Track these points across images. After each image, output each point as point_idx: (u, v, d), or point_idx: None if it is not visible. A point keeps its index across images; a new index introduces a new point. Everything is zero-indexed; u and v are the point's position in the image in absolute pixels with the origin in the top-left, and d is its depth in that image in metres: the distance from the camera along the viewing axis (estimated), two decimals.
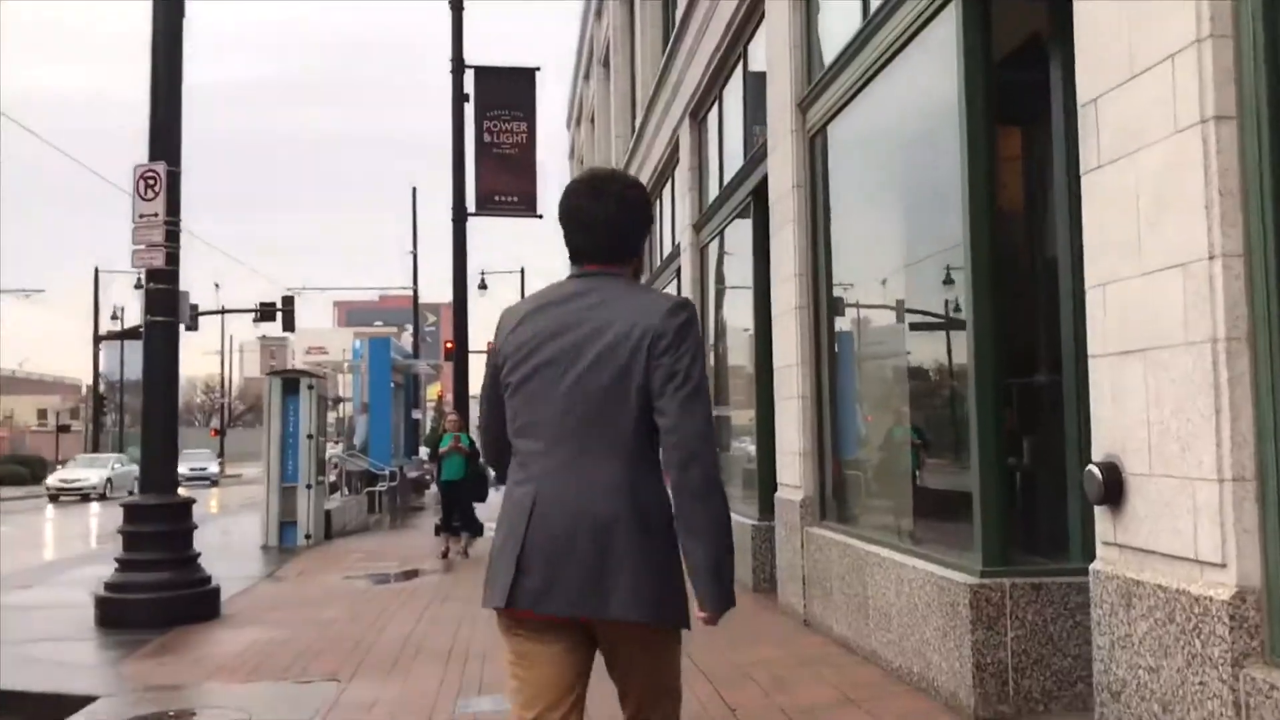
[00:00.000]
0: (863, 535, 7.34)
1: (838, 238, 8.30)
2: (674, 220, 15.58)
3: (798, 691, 6.29)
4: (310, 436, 16.44)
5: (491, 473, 10.36)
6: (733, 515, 10.92)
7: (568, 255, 3.01)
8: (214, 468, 51.26)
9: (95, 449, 49.53)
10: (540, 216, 19.84)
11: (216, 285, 61.16)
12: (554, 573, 2.72)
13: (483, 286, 41.89)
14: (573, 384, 2.81)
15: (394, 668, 7.30)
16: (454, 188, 18.80)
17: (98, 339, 49.72)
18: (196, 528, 9.96)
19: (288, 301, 38.66)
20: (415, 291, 37.10)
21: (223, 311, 45.11)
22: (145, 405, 9.70)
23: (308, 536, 16.23)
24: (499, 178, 19.99)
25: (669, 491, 2.81)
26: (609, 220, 2.93)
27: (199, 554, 9.73)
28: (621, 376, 2.76)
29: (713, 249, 13.01)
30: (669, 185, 16.19)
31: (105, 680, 7.34)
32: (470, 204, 19.43)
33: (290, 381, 17.04)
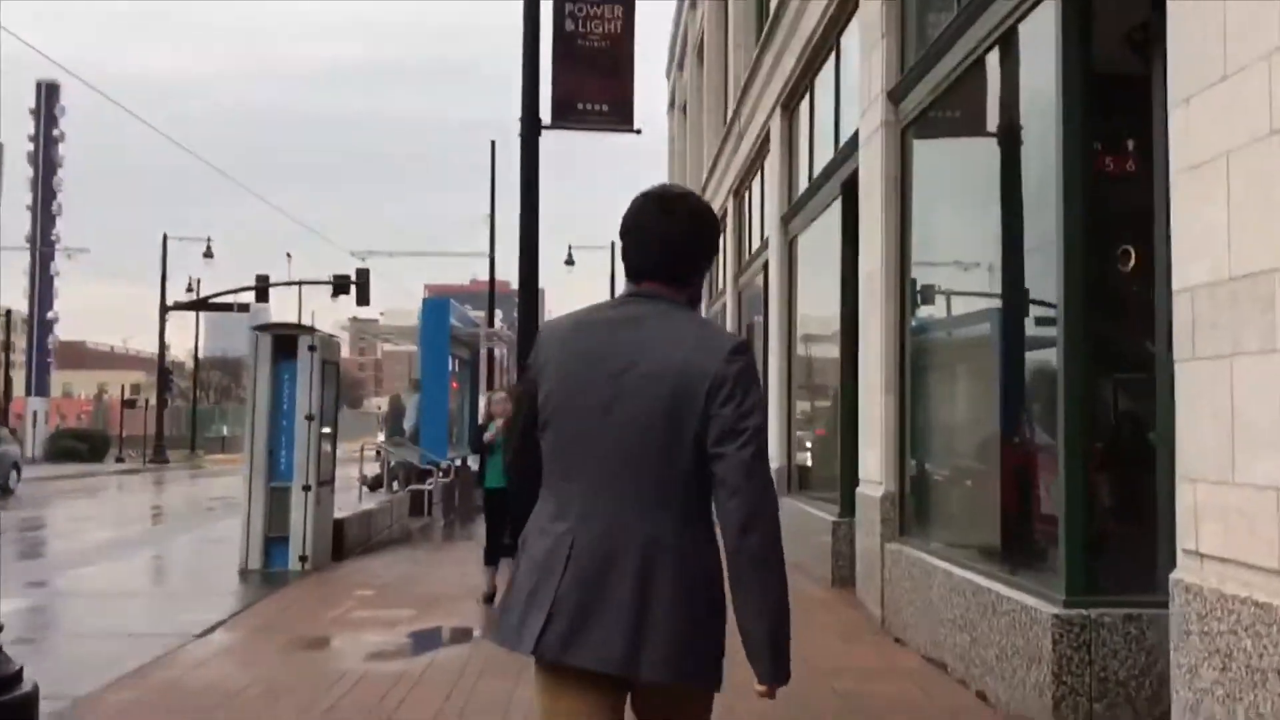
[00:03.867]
0: (944, 554, 7.23)
1: (928, 231, 8.17)
2: (763, 213, 15.48)
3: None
4: (311, 418, 11.88)
5: None
6: (814, 511, 10.87)
7: (626, 274, 2.81)
8: None
9: (160, 426, 46.89)
10: (638, 131, 14.26)
11: (289, 255, 56.42)
12: (587, 623, 2.54)
13: (569, 262, 40.92)
14: (623, 424, 2.60)
15: None
16: (524, 92, 12.55)
17: (164, 310, 46.42)
18: None
19: (362, 274, 37.09)
20: (491, 259, 33.67)
21: (292, 283, 43.47)
22: None
23: (303, 559, 11.66)
24: (584, 79, 14.12)
25: (719, 551, 2.63)
26: (675, 238, 2.75)
27: None
28: (676, 422, 2.56)
29: (801, 242, 12.90)
30: (758, 177, 16.09)
31: None
32: (545, 115, 13.01)
33: (284, 341, 12.07)
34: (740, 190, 17.86)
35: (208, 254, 49.63)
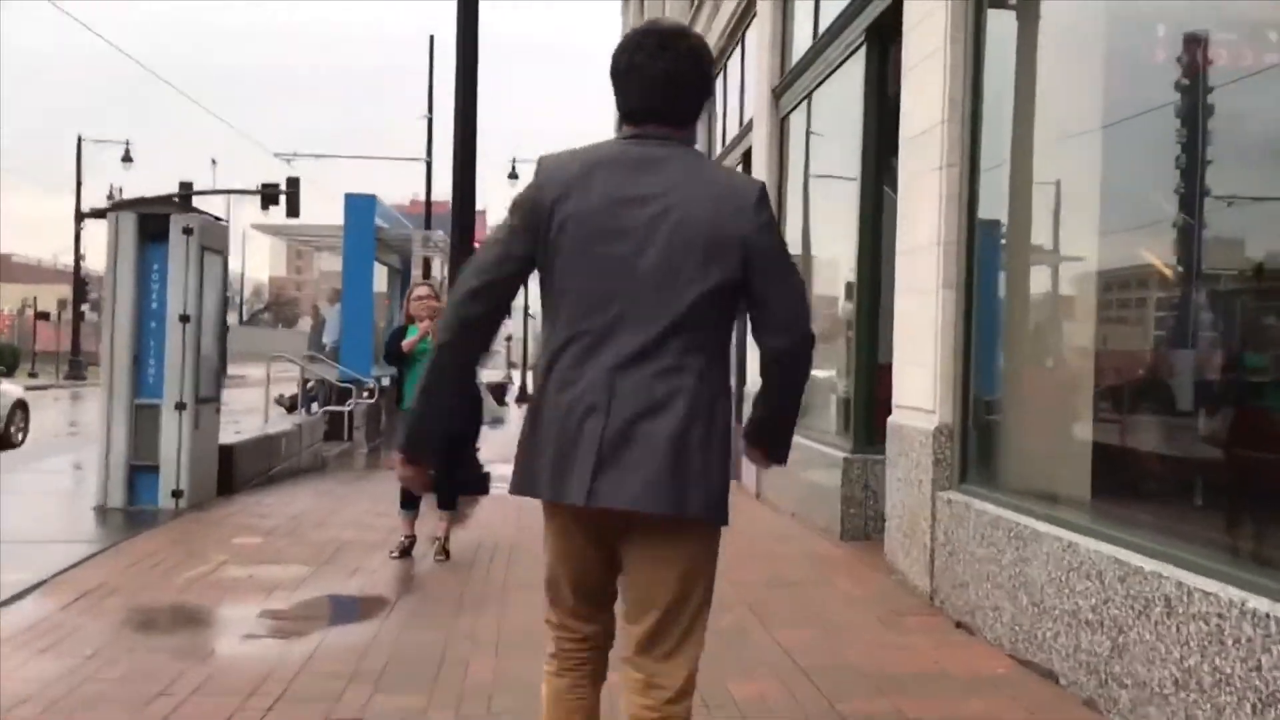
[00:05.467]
0: (1054, 516, 5.10)
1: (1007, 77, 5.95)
2: (742, 92, 13.17)
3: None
4: (187, 319, 9.39)
5: (490, 400, 7.30)
6: (813, 445, 8.74)
7: (623, 115, 2.70)
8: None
9: (76, 341, 43.41)
10: None
11: (213, 161, 53.09)
12: (637, 466, 2.51)
13: (513, 176, 38.61)
14: (657, 267, 2.55)
15: None
16: None
17: (80, 217, 42.78)
18: None
19: (292, 183, 34.58)
20: (429, 164, 31.20)
21: (217, 192, 40.72)
22: None
23: (177, 494, 9.31)
24: None
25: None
26: (679, 75, 2.66)
27: None
28: (710, 266, 2.55)
29: (797, 120, 10.62)
30: (737, 52, 13.74)
31: None
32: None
33: (151, 221, 9.46)
34: (721, 58, 15.47)
35: (126, 158, 46.61)
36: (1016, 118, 5.82)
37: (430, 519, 7.71)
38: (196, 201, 35.18)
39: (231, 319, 71.50)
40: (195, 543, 7.92)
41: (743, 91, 13.09)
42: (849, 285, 8.72)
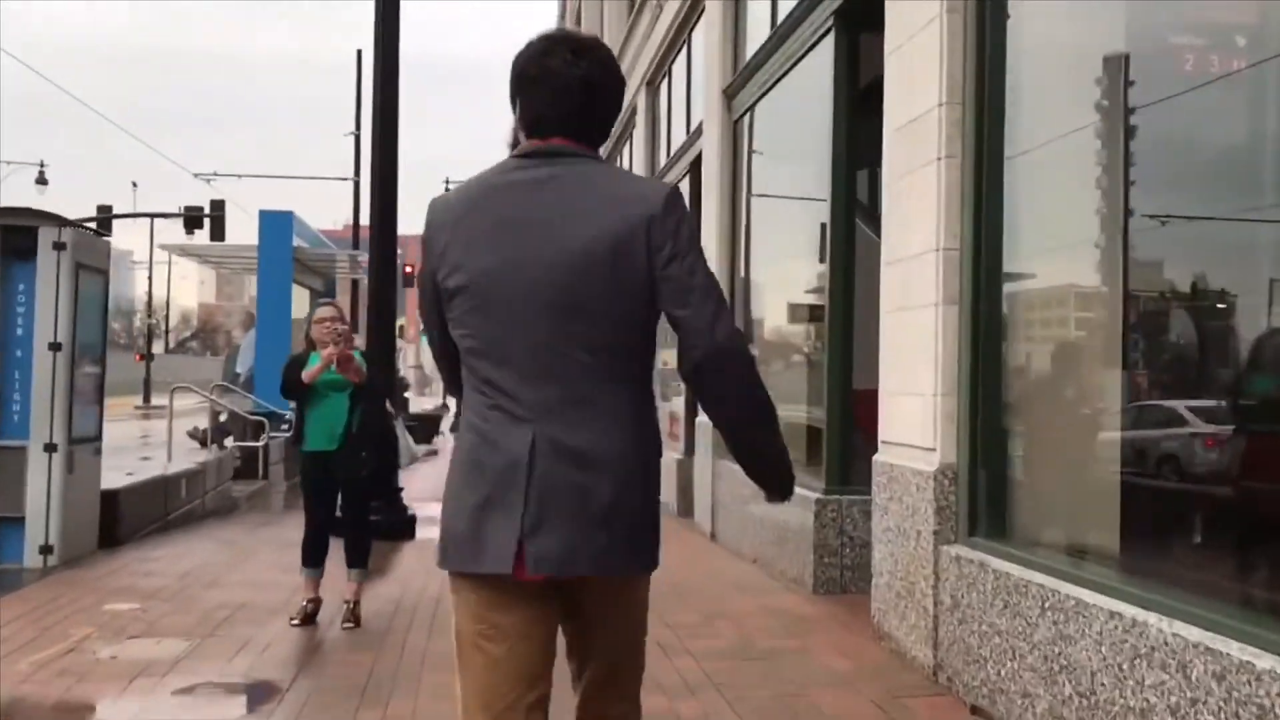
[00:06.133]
0: (1084, 576, 4.14)
1: (1024, 40, 5.01)
2: (689, 96, 12.21)
3: None
4: (57, 348, 8.13)
5: (409, 440, 6.35)
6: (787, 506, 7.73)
7: (527, 127, 2.43)
8: None
9: None
10: None
11: (134, 184, 51.73)
12: (568, 529, 2.29)
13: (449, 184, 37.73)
14: (559, 294, 2.29)
15: None
16: None
17: None
18: None
19: (217, 206, 33.22)
20: (356, 183, 29.79)
21: (137, 215, 39.13)
22: None
23: (46, 550, 8.06)
24: None
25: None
26: (598, 83, 2.42)
27: None
28: (619, 285, 2.30)
29: (756, 120, 9.66)
30: (682, 55, 12.79)
31: None
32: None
33: (17, 234, 8.21)
34: (655, 80, 14.52)
35: (41, 180, 44.91)
36: (1036, 97, 4.87)
37: (340, 576, 6.57)
38: (117, 225, 33.70)
39: (157, 347, 69.25)
40: (59, 611, 6.70)
41: (689, 95, 12.14)
42: (814, 303, 7.75)
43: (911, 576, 5.36)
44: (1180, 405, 4.14)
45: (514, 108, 2.47)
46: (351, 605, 6.43)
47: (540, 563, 2.28)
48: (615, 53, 14.22)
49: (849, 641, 5.90)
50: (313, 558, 6.50)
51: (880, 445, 5.95)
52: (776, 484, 2.51)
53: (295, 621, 6.37)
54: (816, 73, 7.65)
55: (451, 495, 2.40)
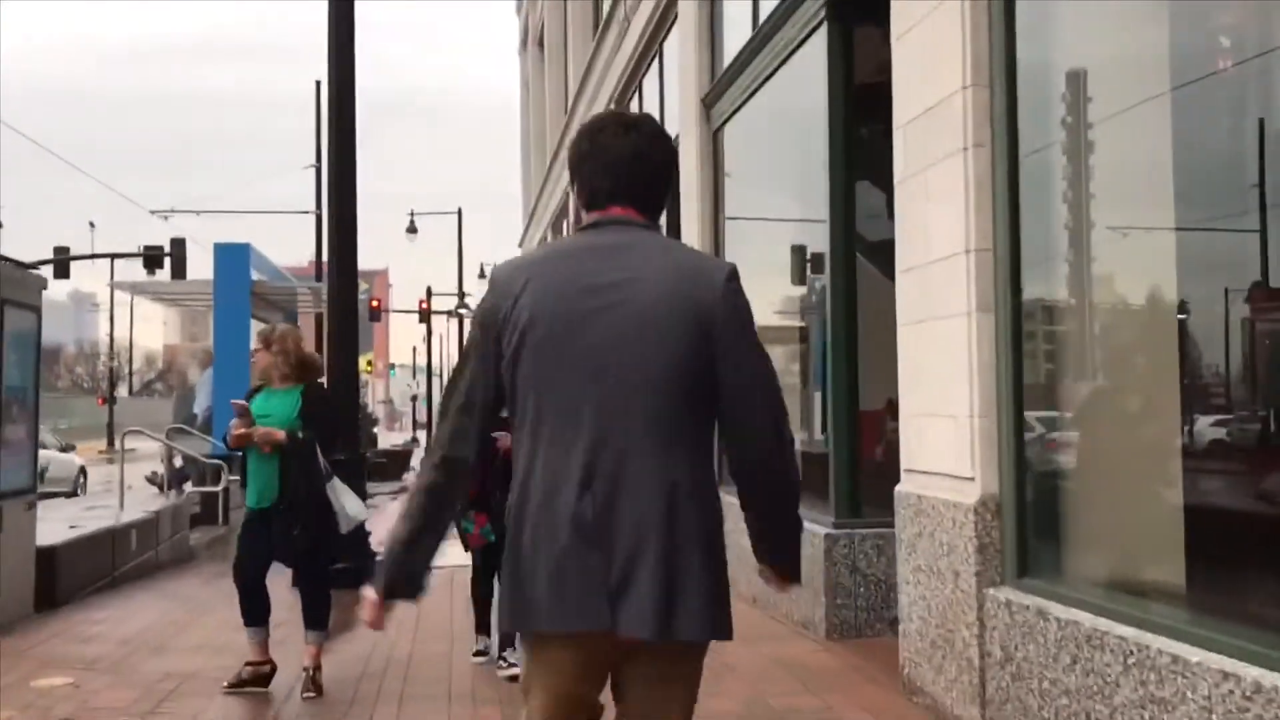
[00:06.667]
0: (1183, 629, 3.50)
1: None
2: (662, 107, 11.62)
3: None
4: None
5: (348, 502, 5.60)
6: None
7: (585, 202, 2.54)
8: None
9: None
10: None
11: (91, 224, 51.60)
12: (636, 589, 2.31)
13: (412, 230, 36.82)
14: (629, 356, 2.36)
15: None
16: None
17: None
18: None
19: (178, 245, 32.34)
20: (318, 217, 29.08)
21: (95, 256, 38.16)
22: None
23: None
24: None
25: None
26: (646, 155, 2.51)
27: None
28: (678, 356, 2.36)
29: (735, 131, 9.07)
30: (654, 66, 12.21)
31: None
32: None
33: None
34: (625, 97, 13.95)
35: None
36: (1080, 72, 4.27)
37: (301, 637, 5.84)
38: (77, 268, 32.74)
39: (121, 391, 67.83)
40: None
41: (663, 109, 11.55)
42: (815, 319, 7.13)
43: (950, 623, 4.71)
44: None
45: (573, 189, 2.59)
46: (311, 672, 5.70)
47: (636, 626, 2.32)
48: (580, 74, 13.72)
49: (876, 698, 5.23)
50: (251, 615, 5.77)
51: (903, 474, 5.31)
52: (793, 558, 2.63)
53: (226, 687, 5.66)
54: (807, 72, 7.06)
55: (512, 556, 2.40)
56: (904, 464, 5.31)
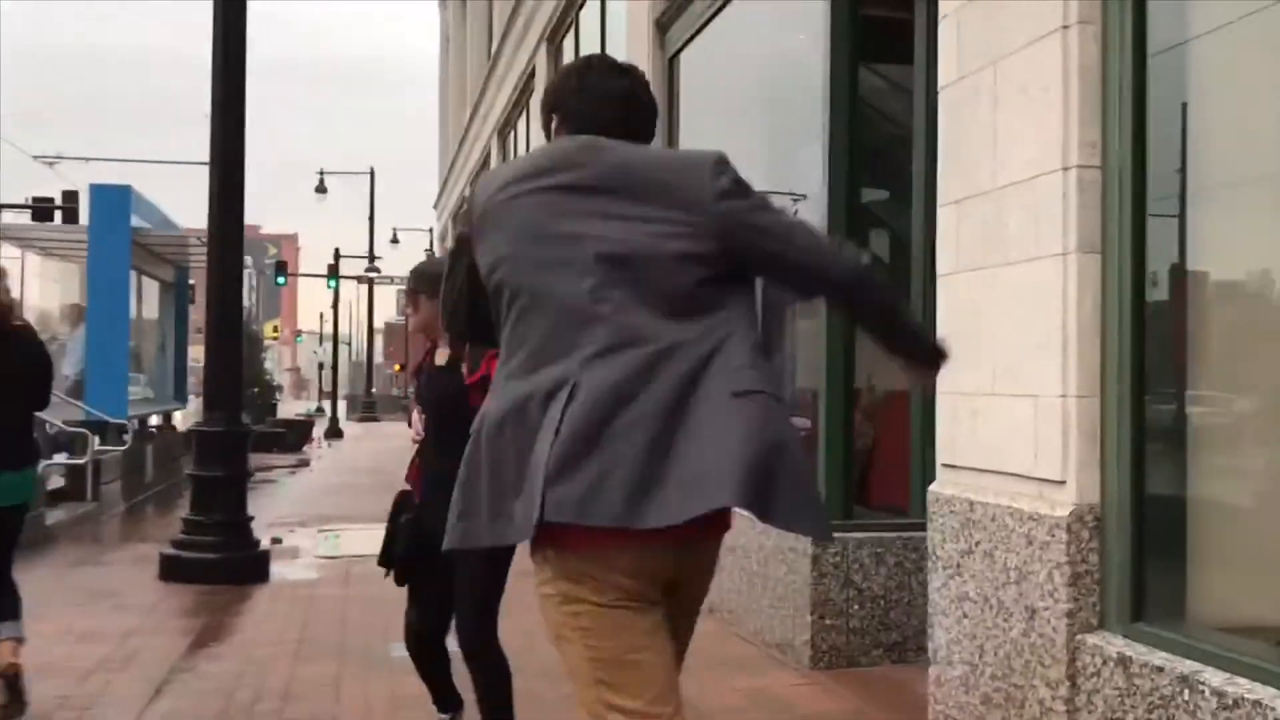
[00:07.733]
0: None
1: None
2: (604, 34, 10.25)
3: None
4: None
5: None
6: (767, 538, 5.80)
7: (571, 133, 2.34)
8: None
9: None
10: None
11: None
12: (693, 465, 2.10)
13: (321, 189, 34.87)
14: (617, 251, 2.18)
15: None
16: None
17: None
18: None
19: (70, 197, 30.15)
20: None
21: None
22: None
23: None
24: None
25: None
26: (638, 98, 2.41)
27: None
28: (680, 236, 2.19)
29: (694, 56, 7.75)
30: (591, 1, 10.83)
31: None
32: None
33: None
34: (558, 35, 12.55)
35: None
36: None
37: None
38: None
39: None
40: None
41: (604, 40, 10.17)
42: None
43: (1018, 676, 3.47)
44: None
45: (549, 129, 2.42)
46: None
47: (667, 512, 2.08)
48: (508, 15, 12.21)
49: None
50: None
51: (941, 470, 4.05)
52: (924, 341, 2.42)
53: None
54: None
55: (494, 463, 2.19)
56: (942, 457, 4.05)
